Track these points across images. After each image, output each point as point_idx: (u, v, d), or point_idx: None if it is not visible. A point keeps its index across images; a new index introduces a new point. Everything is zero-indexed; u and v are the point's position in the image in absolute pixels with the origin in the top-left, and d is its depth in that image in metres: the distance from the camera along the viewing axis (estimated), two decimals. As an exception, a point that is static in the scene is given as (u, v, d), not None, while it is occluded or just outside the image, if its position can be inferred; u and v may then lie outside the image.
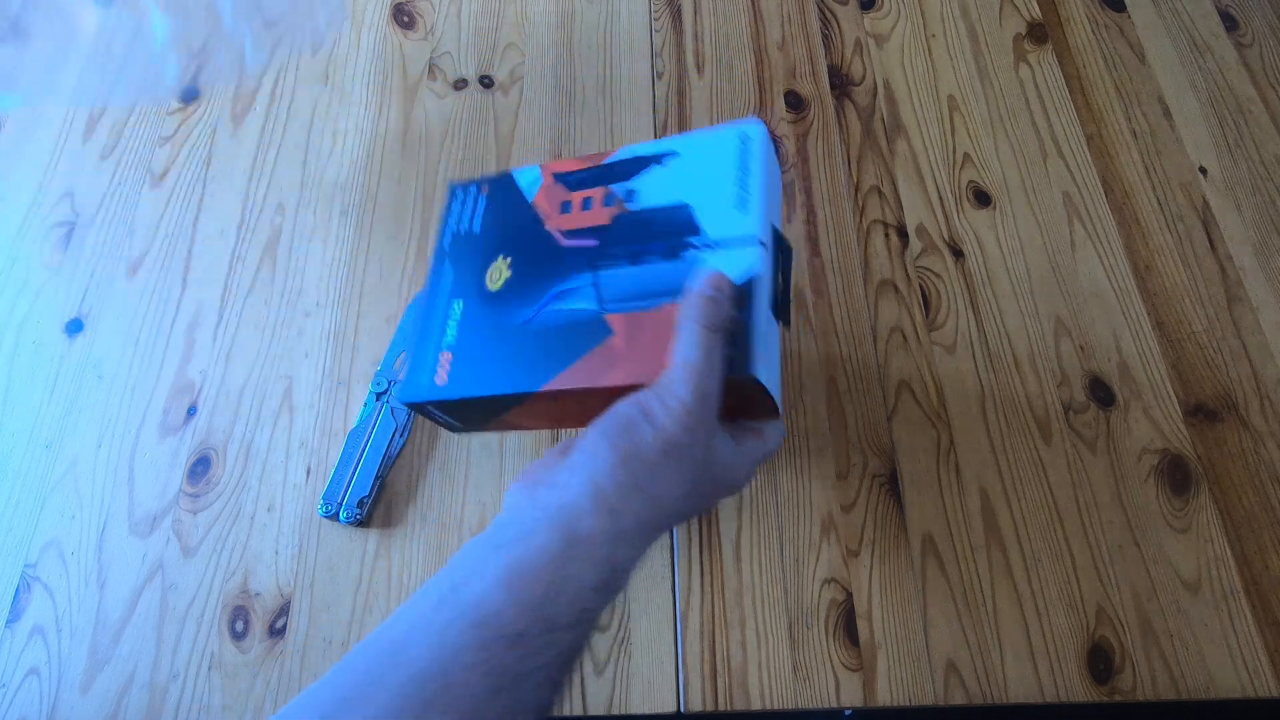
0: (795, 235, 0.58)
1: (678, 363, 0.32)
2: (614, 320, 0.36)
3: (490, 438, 0.51)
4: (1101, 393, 0.53)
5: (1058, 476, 0.50)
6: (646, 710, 0.44)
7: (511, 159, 0.61)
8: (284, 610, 0.46)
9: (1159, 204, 0.60)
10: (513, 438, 0.51)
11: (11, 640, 0.45)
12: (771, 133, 0.38)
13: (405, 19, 0.67)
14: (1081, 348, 0.54)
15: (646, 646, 0.45)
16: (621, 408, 0.32)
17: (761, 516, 0.49)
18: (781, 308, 0.36)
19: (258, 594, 0.46)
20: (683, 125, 0.62)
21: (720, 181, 0.37)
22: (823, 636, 0.46)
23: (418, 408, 0.41)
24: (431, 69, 0.64)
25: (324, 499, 0.47)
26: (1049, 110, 0.64)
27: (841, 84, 0.65)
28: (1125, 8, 0.69)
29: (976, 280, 0.56)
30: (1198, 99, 0.64)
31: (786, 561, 0.48)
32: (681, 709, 0.44)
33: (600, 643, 0.45)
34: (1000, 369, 0.53)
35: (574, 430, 0.47)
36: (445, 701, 0.27)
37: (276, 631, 0.46)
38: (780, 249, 0.37)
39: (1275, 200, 0.60)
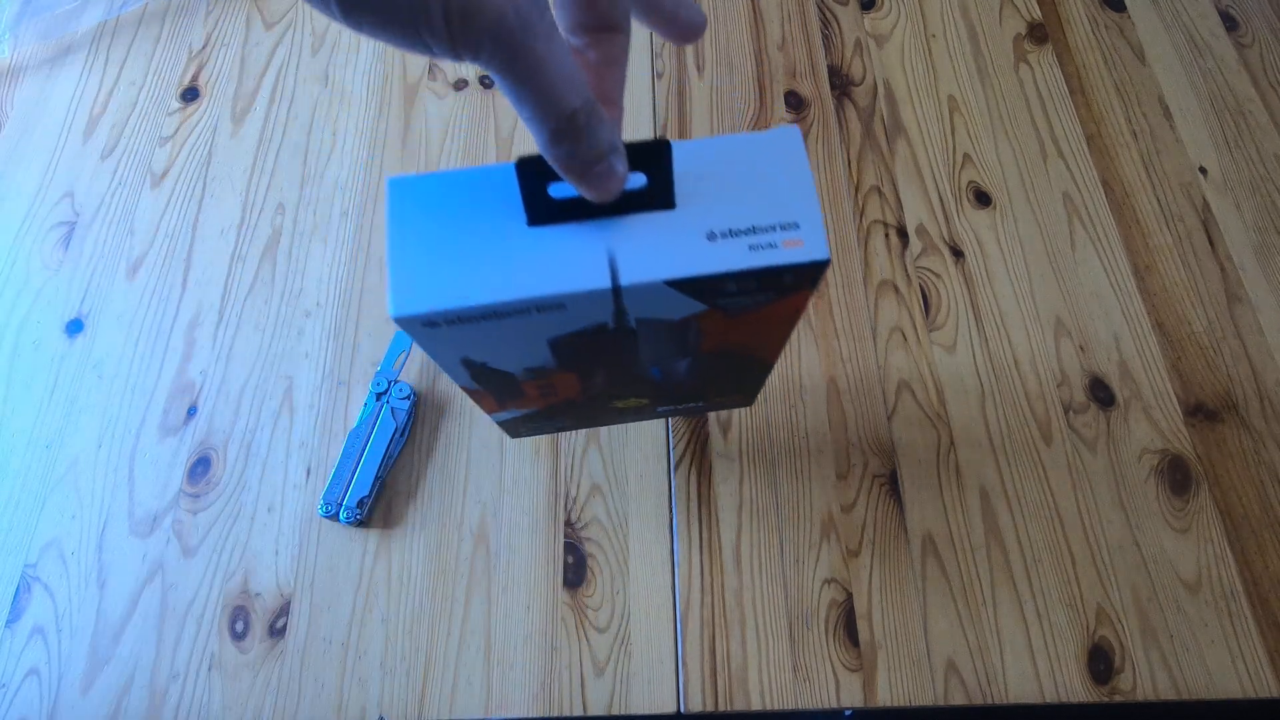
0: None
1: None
2: None
3: (490, 437, 0.51)
4: (1101, 393, 0.53)
5: (1058, 476, 0.50)
6: (646, 710, 0.44)
7: (511, 159, 0.61)
8: (284, 610, 0.46)
9: (1159, 204, 0.60)
10: (513, 440, 0.51)
11: (11, 640, 0.45)
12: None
13: (405, 19, 0.67)
14: (1081, 348, 0.54)
15: (646, 646, 0.45)
16: None
17: (761, 516, 0.49)
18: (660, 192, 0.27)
19: (258, 594, 0.46)
20: (683, 125, 0.62)
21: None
22: (823, 636, 0.46)
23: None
24: (431, 69, 0.64)
25: (324, 499, 0.47)
26: (1049, 110, 0.64)
27: (841, 84, 0.65)
28: (1125, 8, 0.69)
29: (976, 280, 0.56)
30: (1198, 99, 0.64)
31: (786, 561, 0.48)
32: (681, 709, 0.44)
33: (600, 643, 0.45)
34: (1000, 369, 0.53)
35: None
36: None
37: (276, 631, 0.46)
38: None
39: (1275, 200, 0.60)
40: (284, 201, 0.59)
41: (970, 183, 0.60)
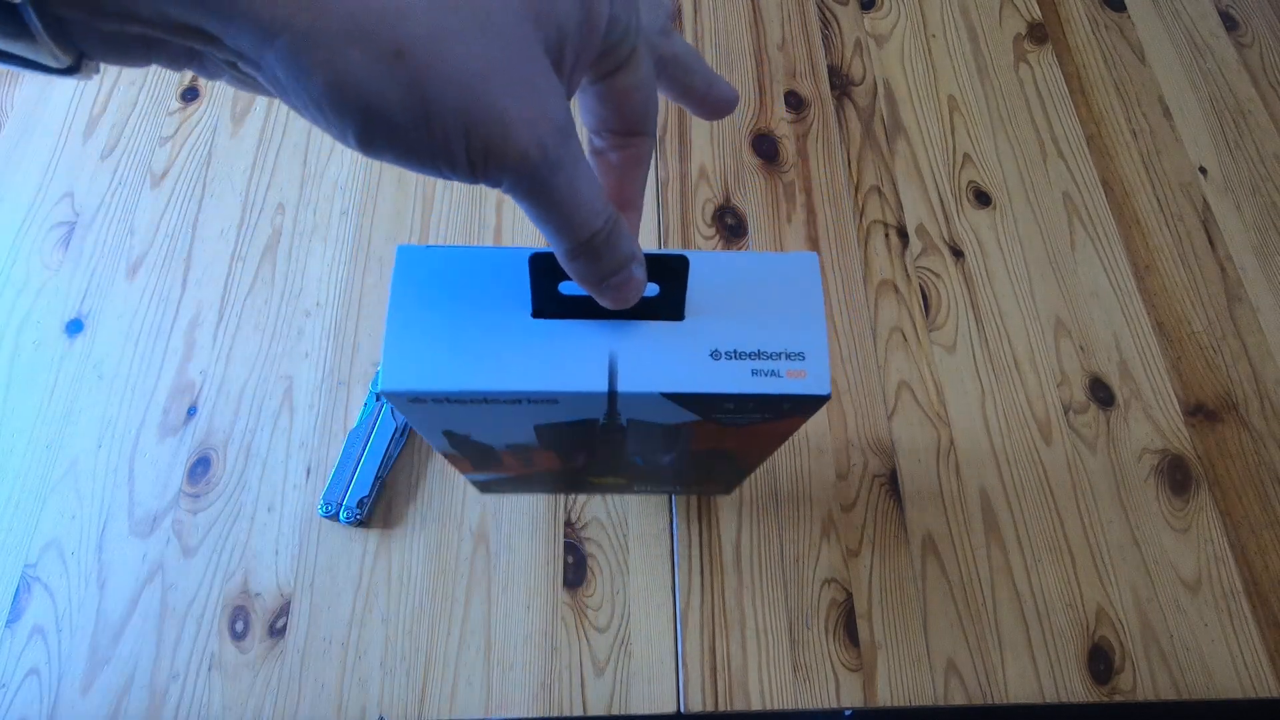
0: (796, 235, 0.58)
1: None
2: None
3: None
4: (1101, 393, 0.53)
5: (1058, 476, 0.50)
6: (646, 710, 0.44)
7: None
8: (284, 610, 0.46)
9: (1159, 204, 0.60)
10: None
11: (11, 640, 0.45)
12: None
13: (405, 19, 0.67)
14: (1081, 348, 0.54)
15: (646, 646, 0.45)
16: None
17: (761, 516, 0.49)
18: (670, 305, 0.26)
19: (258, 594, 0.46)
20: (682, 126, 0.62)
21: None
22: (823, 636, 0.46)
23: None
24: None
25: (324, 499, 0.47)
26: (1049, 110, 0.64)
27: (841, 84, 0.65)
28: (1125, 8, 0.69)
29: (976, 280, 0.56)
30: (1198, 99, 0.64)
31: (786, 561, 0.48)
32: (681, 709, 0.44)
33: (600, 643, 0.45)
34: (1000, 369, 0.53)
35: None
36: None
37: (276, 631, 0.46)
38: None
39: (1275, 200, 0.60)
40: (284, 201, 0.59)
41: (970, 183, 0.60)
